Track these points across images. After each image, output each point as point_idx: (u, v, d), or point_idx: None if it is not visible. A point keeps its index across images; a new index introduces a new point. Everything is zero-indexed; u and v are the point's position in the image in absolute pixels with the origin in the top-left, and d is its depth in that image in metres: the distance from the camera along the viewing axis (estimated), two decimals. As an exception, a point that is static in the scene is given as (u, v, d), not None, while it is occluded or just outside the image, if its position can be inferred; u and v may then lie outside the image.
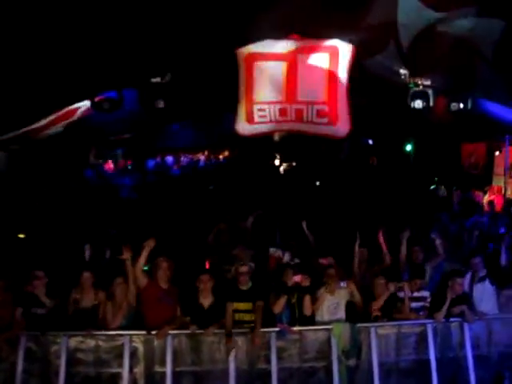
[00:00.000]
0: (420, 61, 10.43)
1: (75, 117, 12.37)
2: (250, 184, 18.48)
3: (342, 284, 8.25)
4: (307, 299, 8.15)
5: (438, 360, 7.99)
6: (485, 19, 9.01)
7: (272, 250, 9.78)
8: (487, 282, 8.59)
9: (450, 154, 20.36)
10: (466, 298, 8.40)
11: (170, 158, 27.32)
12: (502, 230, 12.50)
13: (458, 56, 9.79)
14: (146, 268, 8.28)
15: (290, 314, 8.16)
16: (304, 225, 10.16)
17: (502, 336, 8.22)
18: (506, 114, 13.34)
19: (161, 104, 10.88)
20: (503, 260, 9.39)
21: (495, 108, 13.17)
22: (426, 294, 8.50)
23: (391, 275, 8.81)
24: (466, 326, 8.09)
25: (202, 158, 30.13)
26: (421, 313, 8.38)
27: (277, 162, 26.82)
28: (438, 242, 9.36)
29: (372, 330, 7.98)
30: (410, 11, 8.91)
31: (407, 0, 8.80)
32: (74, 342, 7.68)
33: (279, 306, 8.04)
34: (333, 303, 8.27)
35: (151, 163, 25.70)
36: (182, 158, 28.66)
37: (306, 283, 8.23)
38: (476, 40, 9.44)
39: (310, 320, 8.15)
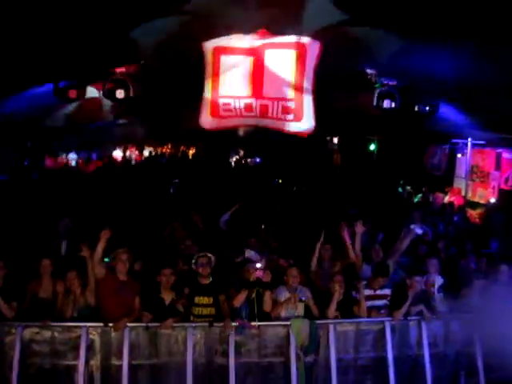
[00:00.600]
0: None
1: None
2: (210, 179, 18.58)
3: (302, 297, 8.22)
4: (267, 295, 8.11)
5: (395, 358, 8.05)
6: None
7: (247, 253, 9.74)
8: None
9: (414, 155, 20.61)
10: (425, 297, 8.48)
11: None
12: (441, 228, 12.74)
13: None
14: (106, 260, 8.20)
15: (249, 310, 8.10)
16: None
17: (459, 335, 8.31)
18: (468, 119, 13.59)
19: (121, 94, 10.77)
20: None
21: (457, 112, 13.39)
22: (387, 291, 8.53)
23: (352, 273, 8.88)
24: (423, 325, 8.17)
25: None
26: (382, 311, 8.42)
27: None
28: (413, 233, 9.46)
29: (331, 326, 7.98)
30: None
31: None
32: (29, 332, 7.52)
33: (238, 300, 7.99)
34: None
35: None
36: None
37: (267, 279, 8.20)
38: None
39: (269, 316, 8.09)
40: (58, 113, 13.76)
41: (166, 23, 9.31)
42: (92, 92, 12.15)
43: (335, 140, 24.90)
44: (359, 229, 9.21)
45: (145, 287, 8.08)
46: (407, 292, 8.29)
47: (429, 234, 11.80)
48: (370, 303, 8.39)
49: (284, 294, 8.22)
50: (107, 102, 12.63)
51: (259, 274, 8.16)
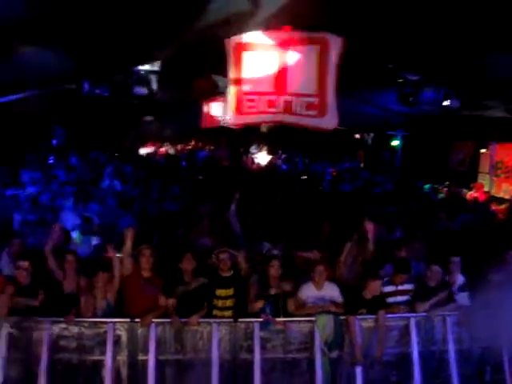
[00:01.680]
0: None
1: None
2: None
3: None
4: (290, 303, 8.16)
5: (420, 353, 8.04)
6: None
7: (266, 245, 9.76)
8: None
9: (439, 150, 20.48)
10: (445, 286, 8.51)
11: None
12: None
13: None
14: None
15: (273, 308, 8.11)
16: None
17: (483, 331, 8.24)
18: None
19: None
20: None
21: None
22: (410, 287, 8.52)
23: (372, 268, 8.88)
24: (448, 320, 8.13)
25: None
26: (403, 306, 8.42)
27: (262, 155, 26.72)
28: None
29: (356, 322, 7.98)
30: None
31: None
32: (57, 328, 7.62)
33: (255, 308, 8.04)
34: (319, 297, 8.27)
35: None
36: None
37: (288, 288, 8.24)
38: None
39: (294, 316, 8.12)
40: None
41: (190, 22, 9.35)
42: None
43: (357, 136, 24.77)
44: (369, 226, 9.13)
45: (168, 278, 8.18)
46: (428, 284, 8.32)
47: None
48: (392, 299, 8.41)
49: (311, 292, 8.24)
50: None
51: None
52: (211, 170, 21.13)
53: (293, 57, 10.10)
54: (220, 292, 8.12)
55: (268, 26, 10.13)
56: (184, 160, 24.61)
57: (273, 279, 8.22)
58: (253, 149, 27.53)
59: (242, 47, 10.24)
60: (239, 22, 10.06)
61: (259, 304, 8.01)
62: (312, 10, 9.55)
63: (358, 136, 24.93)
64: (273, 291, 8.17)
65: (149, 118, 20.05)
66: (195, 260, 8.20)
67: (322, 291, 8.28)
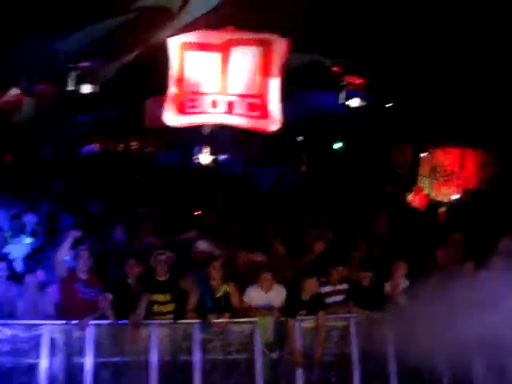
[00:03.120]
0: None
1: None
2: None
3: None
4: (235, 300, 8.10)
5: (360, 354, 8.09)
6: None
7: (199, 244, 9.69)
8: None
9: (380, 153, 20.72)
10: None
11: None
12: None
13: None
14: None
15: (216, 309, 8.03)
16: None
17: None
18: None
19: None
20: None
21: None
22: (346, 286, 8.58)
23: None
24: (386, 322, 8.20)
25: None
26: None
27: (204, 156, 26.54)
28: None
29: (296, 323, 7.99)
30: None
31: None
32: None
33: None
34: (266, 301, 8.22)
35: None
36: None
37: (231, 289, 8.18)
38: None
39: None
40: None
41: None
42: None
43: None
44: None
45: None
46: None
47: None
48: (331, 299, 8.45)
49: (257, 296, 8.20)
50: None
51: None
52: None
53: (236, 57, 10.10)
54: (157, 297, 7.95)
55: (211, 25, 10.07)
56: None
57: (214, 281, 8.13)
58: (195, 150, 27.31)
59: (185, 47, 10.16)
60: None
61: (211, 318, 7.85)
62: (255, 11, 9.55)
63: (300, 138, 24.99)
64: (217, 294, 8.09)
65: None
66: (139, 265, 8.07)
67: (269, 295, 8.23)
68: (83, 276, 7.92)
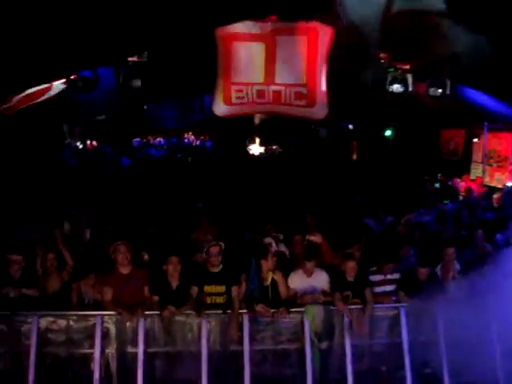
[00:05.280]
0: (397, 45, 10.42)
1: (48, 95, 12.13)
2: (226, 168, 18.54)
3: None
4: (282, 284, 8.12)
5: (410, 343, 8.01)
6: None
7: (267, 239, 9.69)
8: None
9: (430, 140, 20.44)
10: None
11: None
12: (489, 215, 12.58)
13: (434, 41, 9.80)
14: None
15: (262, 296, 8.05)
16: None
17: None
18: (485, 101, 13.39)
19: (137, 83, 10.73)
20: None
21: (474, 94, 13.21)
22: (397, 276, 8.52)
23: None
24: (438, 312, 8.08)
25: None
26: (393, 296, 8.40)
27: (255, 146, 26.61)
28: None
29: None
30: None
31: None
32: (44, 321, 7.57)
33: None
34: (309, 286, 8.24)
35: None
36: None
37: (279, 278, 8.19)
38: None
39: (286, 303, 8.01)
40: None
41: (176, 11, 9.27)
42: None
43: (350, 126, 24.66)
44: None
45: (153, 274, 8.08)
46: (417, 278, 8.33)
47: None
48: (381, 289, 8.41)
49: (300, 281, 8.22)
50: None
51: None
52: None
53: (281, 47, 10.06)
54: (209, 289, 7.98)
55: (257, 15, 10.05)
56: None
57: (266, 272, 8.15)
58: (247, 140, 27.46)
59: (230, 37, 10.20)
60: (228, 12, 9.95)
61: (259, 308, 7.86)
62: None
63: (351, 127, 24.84)
64: (265, 283, 8.13)
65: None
66: (180, 263, 8.05)
67: (311, 280, 8.25)
68: (124, 270, 7.99)
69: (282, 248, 9.41)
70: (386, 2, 9.23)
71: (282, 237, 9.71)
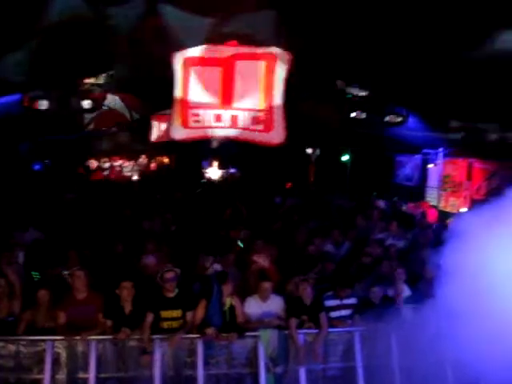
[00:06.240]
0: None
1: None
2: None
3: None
4: (238, 307, 8.11)
5: (364, 367, 8.04)
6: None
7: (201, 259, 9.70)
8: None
9: (386, 165, 20.74)
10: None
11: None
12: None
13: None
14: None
15: (221, 321, 8.03)
16: None
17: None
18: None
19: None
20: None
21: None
22: (354, 301, 8.58)
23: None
24: (392, 334, 8.14)
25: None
26: (349, 321, 8.44)
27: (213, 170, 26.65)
28: None
29: (300, 336, 7.96)
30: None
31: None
32: (-7, 347, 7.42)
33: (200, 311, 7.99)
34: (264, 311, 8.24)
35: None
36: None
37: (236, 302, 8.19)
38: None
39: (240, 328, 8.01)
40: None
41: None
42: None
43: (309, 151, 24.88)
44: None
45: (106, 299, 8.00)
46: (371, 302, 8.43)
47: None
48: (337, 313, 8.44)
49: (256, 306, 8.23)
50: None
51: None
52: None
53: (239, 71, 10.10)
54: (165, 314, 7.93)
55: (214, 40, 10.11)
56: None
57: (226, 296, 8.14)
58: (204, 164, 27.49)
59: (189, 62, 10.20)
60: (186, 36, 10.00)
61: (209, 331, 7.83)
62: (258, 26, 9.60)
63: (309, 151, 25.06)
64: (224, 308, 8.10)
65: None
66: (133, 288, 8.01)
67: (267, 305, 8.26)
68: (80, 296, 7.95)
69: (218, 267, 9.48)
70: None
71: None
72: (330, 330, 8.13)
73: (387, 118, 12.96)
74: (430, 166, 19.04)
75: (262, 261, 9.34)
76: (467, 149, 15.55)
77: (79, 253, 9.67)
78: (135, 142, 23.52)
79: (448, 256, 6.82)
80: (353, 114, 12.49)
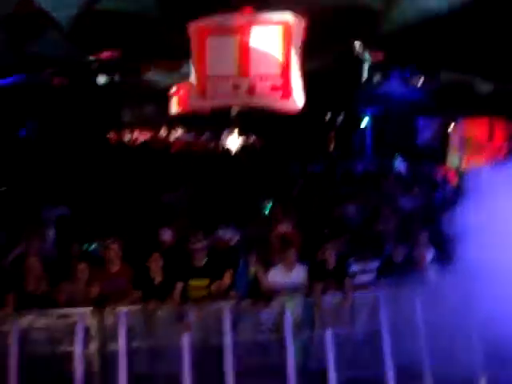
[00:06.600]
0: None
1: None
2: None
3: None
4: (262, 277, 8.19)
5: (390, 330, 8.08)
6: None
7: (221, 232, 9.73)
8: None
9: (407, 128, 20.56)
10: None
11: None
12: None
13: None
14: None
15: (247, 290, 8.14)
16: None
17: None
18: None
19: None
20: None
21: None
22: (377, 264, 8.61)
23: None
24: (416, 297, 8.16)
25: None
26: (372, 285, 8.48)
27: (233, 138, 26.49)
28: None
29: (325, 300, 8.04)
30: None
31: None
32: (25, 320, 7.54)
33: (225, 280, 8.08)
34: (288, 281, 8.27)
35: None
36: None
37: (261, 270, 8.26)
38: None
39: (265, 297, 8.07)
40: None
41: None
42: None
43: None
44: None
45: (136, 271, 8.12)
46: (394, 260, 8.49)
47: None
48: (360, 278, 8.48)
49: (280, 276, 8.27)
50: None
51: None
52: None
53: (255, 38, 10.08)
54: (194, 283, 8.03)
55: (229, 7, 10.06)
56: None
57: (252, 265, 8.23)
58: (225, 132, 27.33)
59: (204, 31, 10.19)
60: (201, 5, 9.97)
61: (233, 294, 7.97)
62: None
63: (328, 117, 24.87)
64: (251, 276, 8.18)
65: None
66: (162, 258, 8.11)
67: (291, 275, 8.30)
68: (114, 268, 8.07)
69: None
70: None
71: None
72: (355, 294, 8.18)
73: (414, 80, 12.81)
74: (451, 127, 18.87)
75: (284, 227, 9.36)
76: (489, 108, 15.36)
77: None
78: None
79: (470, 215, 6.82)
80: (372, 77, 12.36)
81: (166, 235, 9.67)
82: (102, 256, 8.38)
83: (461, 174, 16.82)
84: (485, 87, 13.78)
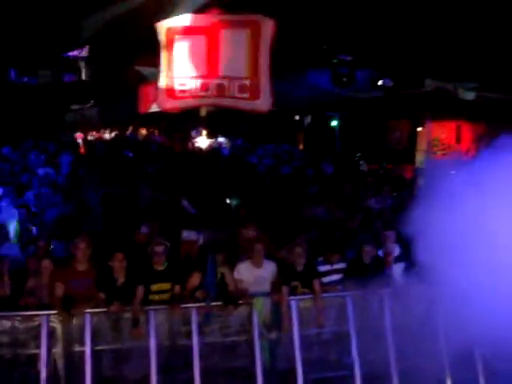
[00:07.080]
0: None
1: None
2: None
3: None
4: (229, 276, 8.12)
5: (357, 330, 8.13)
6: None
7: (185, 234, 9.66)
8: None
9: (376, 130, 20.71)
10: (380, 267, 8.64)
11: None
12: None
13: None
14: None
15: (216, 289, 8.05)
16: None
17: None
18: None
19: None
20: None
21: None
22: (343, 265, 8.63)
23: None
24: (385, 297, 8.21)
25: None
26: (339, 286, 8.51)
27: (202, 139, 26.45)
28: None
29: (293, 303, 8.03)
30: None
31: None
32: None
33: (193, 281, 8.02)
34: (257, 276, 8.26)
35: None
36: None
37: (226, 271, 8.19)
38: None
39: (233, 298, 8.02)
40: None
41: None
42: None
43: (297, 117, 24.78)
44: None
45: (99, 271, 8.01)
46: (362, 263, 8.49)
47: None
48: (327, 278, 8.49)
49: (249, 271, 8.22)
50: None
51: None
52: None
53: (224, 40, 10.07)
54: (155, 287, 7.94)
55: (198, 9, 10.04)
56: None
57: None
58: (193, 133, 27.26)
59: (172, 31, 10.14)
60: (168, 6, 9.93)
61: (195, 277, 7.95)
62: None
63: (297, 118, 24.96)
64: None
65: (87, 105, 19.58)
66: (125, 260, 7.99)
67: (259, 270, 8.26)
68: (80, 267, 7.94)
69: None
70: None
71: None
72: (324, 295, 8.20)
73: (380, 82, 12.93)
74: (419, 129, 19.05)
75: (248, 231, 9.30)
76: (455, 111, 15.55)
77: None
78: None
79: (434, 215, 6.88)
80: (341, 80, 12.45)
81: (141, 236, 9.60)
82: (67, 255, 8.25)
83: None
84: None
